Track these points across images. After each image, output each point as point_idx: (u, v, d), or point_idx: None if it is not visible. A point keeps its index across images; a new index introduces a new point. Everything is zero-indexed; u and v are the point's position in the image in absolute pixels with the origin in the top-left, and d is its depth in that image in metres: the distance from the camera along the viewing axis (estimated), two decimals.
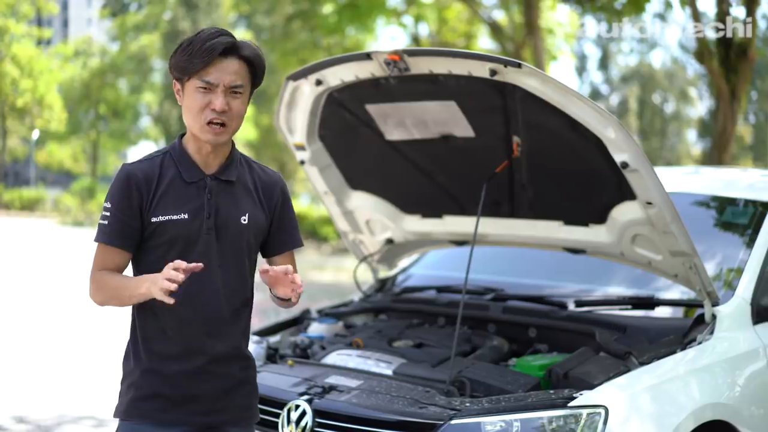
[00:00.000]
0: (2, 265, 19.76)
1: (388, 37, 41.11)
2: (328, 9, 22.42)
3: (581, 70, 56.05)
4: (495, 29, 22.71)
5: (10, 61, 46.09)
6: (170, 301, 2.80)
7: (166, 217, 3.06)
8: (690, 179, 5.91)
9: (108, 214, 3.08)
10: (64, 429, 7.05)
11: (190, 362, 3.09)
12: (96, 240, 3.11)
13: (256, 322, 6.00)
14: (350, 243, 5.74)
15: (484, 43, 27.50)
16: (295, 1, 24.72)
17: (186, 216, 3.07)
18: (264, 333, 5.20)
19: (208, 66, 3.02)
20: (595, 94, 56.03)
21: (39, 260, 21.02)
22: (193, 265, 2.85)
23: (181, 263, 2.82)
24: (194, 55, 3.01)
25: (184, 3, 49.81)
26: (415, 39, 26.46)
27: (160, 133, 53.35)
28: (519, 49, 21.09)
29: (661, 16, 32.69)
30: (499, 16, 24.27)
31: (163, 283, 2.79)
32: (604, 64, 56.03)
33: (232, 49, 3.05)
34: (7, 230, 31.48)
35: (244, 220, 3.16)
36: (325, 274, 19.35)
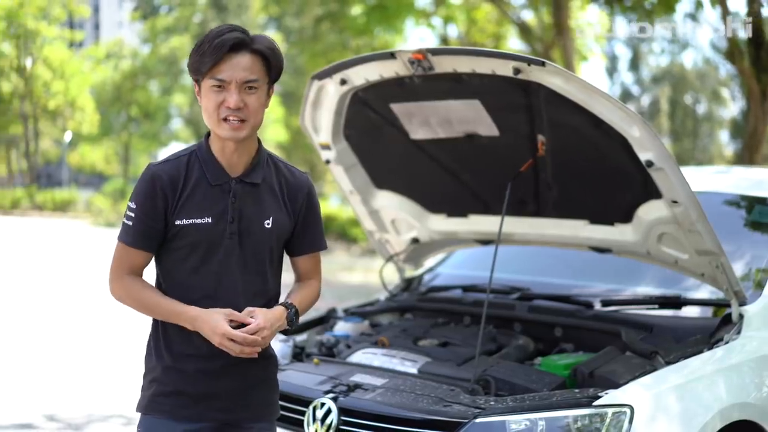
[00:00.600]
0: (35, 265, 19.91)
1: (416, 38, 41.03)
2: (356, 10, 22.41)
3: (612, 70, 55.74)
4: (524, 30, 22.62)
5: (42, 64, 46.44)
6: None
7: (190, 221, 3.07)
8: (719, 178, 5.87)
9: (132, 214, 3.10)
10: (94, 427, 7.10)
11: (210, 362, 3.11)
12: (119, 239, 3.13)
13: None
14: (376, 242, 5.75)
15: (514, 44, 27.40)
16: (324, 3, 24.71)
17: (209, 220, 3.08)
18: (290, 332, 5.21)
19: (219, 63, 2.99)
20: (626, 95, 55.72)
21: (71, 260, 21.15)
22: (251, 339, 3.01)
23: (235, 316, 3.02)
24: (205, 53, 3.00)
25: (213, 5, 50.01)
26: (444, 40, 26.40)
27: (191, 135, 53.48)
28: (548, 50, 20.99)
29: (693, 16, 32.45)
30: (528, 16, 24.19)
31: (224, 341, 2.98)
32: (635, 64, 55.69)
33: (243, 44, 3.02)
34: (41, 231, 31.71)
35: (268, 224, 3.16)
36: (355, 275, 19.36)
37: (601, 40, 25.18)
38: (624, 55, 56.37)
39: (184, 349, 3.11)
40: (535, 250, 5.54)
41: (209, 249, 3.09)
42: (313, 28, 27.12)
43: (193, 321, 3.01)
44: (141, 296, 3.10)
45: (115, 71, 52.63)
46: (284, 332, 3.20)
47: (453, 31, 27.26)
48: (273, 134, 48.55)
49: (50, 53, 46.46)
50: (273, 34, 46.28)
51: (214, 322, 2.97)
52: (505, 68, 4.13)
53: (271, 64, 3.10)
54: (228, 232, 3.09)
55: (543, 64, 4.03)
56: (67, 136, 52.47)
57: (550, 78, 4.07)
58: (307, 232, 3.30)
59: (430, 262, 6.13)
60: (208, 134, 3.19)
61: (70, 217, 41.47)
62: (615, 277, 5.29)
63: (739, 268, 4.62)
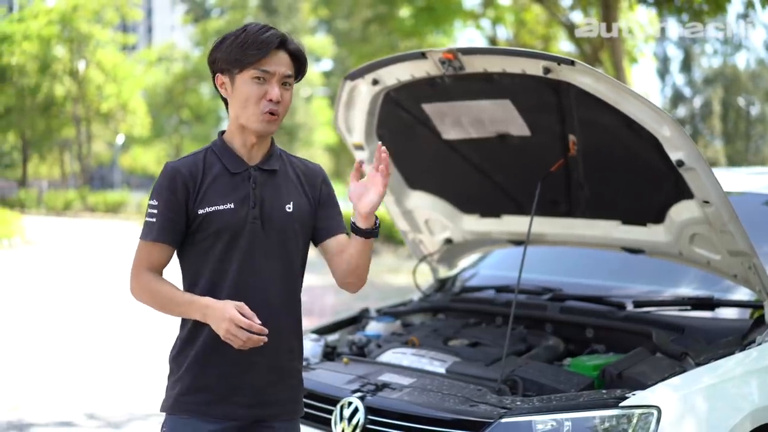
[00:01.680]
0: (85, 264, 20.14)
1: (466, 39, 40.91)
2: (405, 12, 22.41)
3: (664, 72, 55.20)
4: (572, 31, 22.47)
5: (95, 67, 46.97)
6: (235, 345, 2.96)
7: (213, 208, 3.10)
8: (760, 179, 5.80)
9: (155, 211, 3.13)
10: (134, 425, 7.16)
11: (235, 355, 3.10)
12: (142, 237, 3.15)
13: (315, 322, 6.04)
14: (410, 242, 5.75)
15: (564, 45, 27.23)
16: (373, 5, 24.74)
17: (232, 206, 3.11)
18: (323, 331, 5.24)
19: (264, 57, 3.08)
20: (678, 97, 55.21)
21: (120, 261, 21.35)
22: (257, 327, 2.94)
23: (245, 310, 2.95)
24: (249, 47, 3.07)
25: (264, 8, 50.21)
26: (493, 41, 26.31)
27: None
28: (597, 51, 20.84)
29: (746, 17, 32.01)
30: (578, 18, 24.00)
31: (228, 334, 2.94)
32: (687, 66, 55.12)
33: (285, 42, 3.14)
34: (92, 232, 32.10)
35: (289, 208, 3.19)
36: (400, 277, 19.31)
37: (650, 40, 24.90)
38: (676, 56, 55.86)
39: (209, 341, 3.12)
40: (570, 251, 5.52)
41: (233, 236, 3.11)
42: (361, 30, 27.19)
43: (204, 310, 3.01)
44: (157, 290, 3.11)
45: (166, 74, 53.18)
46: (358, 231, 3.12)
47: (502, 33, 27.15)
48: (322, 137, 48.73)
49: (103, 56, 47.00)
50: (323, 37, 46.44)
51: (222, 307, 2.96)
52: (535, 68, 4.12)
53: (301, 65, 3.21)
54: (251, 217, 3.12)
55: (572, 63, 4.00)
56: (120, 139, 53.02)
57: (580, 77, 4.05)
58: (330, 216, 3.32)
59: (464, 262, 6.12)
60: (221, 133, 3.28)
61: (121, 218, 41.91)
62: (651, 278, 5.24)
63: None
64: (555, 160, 4.67)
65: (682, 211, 4.42)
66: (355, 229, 3.12)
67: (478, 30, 26.58)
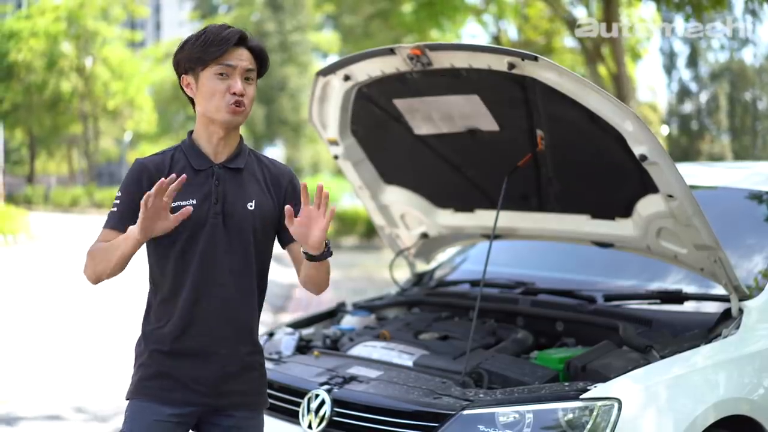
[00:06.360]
0: (84, 261, 20.18)
1: (468, 35, 40.74)
2: (407, 8, 22.36)
3: (670, 67, 54.95)
4: (573, 27, 22.38)
5: (102, 64, 47.06)
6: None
7: (175, 204, 3.14)
8: (744, 174, 5.82)
9: (118, 202, 3.23)
10: (121, 419, 7.18)
11: (196, 342, 3.20)
12: (104, 227, 3.23)
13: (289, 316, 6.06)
14: (387, 237, 5.79)
15: (567, 41, 27.14)
16: (375, 1, 24.69)
17: (194, 201, 3.18)
18: (298, 325, 5.28)
19: (225, 53, 3.17)
20: (684, 92, 54.98)
21: None
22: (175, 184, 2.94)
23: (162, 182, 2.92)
24: (210, 44, 3.17)
25: (270, 4, 50.23)
26: (496, 38, 26.25)
27: (248, 135, 53.98)
28: (598, 47, 20.78)
29: (753, 12, 31.87)
30: (581, 13, 23.91)
31: (145, 208, 2.93)
32: (693, 61, 54.85)
33: (244, 39, 3.23)
34: (97, 228, 32.01)
35: (251, 206, 3.24)
36: (399, 272, 19.43)
37: (650, 36, 24.82)
38: (682, 51, 55.62)
39: (170, 331, 3.21)
40: (547, 246, 5.54)
41: (195, 231, 3.18)
42: (364, 26, 27.16)
43: (134, 228, 3.03)
44: (97, 249, 3.17)
45: (173, 70, 53.16)
46: (312, 258, 3.13)
47: (509, 30, 27.04)
48: None
49: (110, 53, 47.09)
50: (330, 33, 46.42)
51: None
52: (500, 63, 4.15)
53: (262, 61, 3.29)
54: (212, 213, 3.19)
55: (536, 59, 4.03)
56: (127, 136, 53.08)
57: (544, 73, 4.08)
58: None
59: (443, 256, 6.15)
60: (190, 132, 3.35)
61: None
62: (634, 273, 5.26)
63: (759, 263, 4.60)
64: (524, 155, 4.69)
65: (648, 206, 4.45)
66: (308, 257, 3.15)
67: (480, 25, 26.52)
